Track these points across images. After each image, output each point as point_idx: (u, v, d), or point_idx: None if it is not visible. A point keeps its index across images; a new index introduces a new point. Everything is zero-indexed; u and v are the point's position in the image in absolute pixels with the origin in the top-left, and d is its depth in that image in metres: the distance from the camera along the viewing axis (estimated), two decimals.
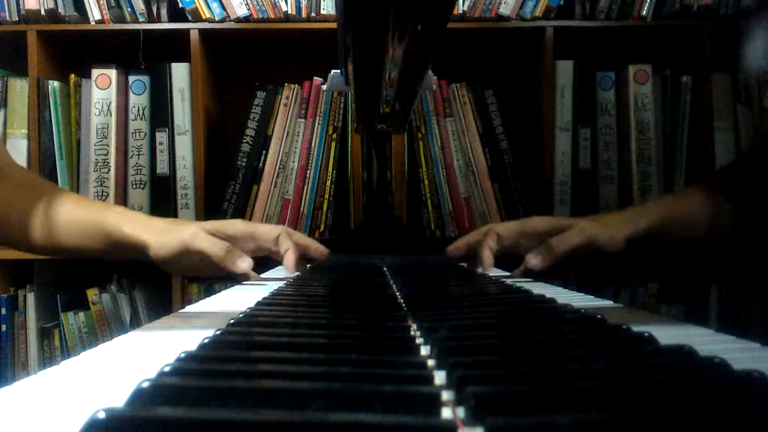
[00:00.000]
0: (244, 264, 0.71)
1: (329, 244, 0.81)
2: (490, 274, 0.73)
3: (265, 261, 0.80)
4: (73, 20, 1.26)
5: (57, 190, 0.78)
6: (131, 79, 1.29)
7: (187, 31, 1.26)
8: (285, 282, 0.69)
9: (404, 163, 1.29)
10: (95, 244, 0.75)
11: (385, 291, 0.55)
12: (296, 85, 1.29)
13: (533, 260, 0.71)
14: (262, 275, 0.80)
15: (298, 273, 0.75)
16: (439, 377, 0.25)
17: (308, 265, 0.83)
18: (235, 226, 0.75)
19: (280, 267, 0.81)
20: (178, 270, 0.77)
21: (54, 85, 1.26)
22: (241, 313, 0.40)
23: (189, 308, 0.52)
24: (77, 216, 0.75)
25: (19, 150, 1.26)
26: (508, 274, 0.79)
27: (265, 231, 0.76)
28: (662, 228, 0.77)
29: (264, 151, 1.28)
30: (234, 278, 0.74)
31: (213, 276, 0.76)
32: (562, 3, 1.27)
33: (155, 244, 0.71)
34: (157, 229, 0.72)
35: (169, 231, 0.72)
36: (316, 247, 0.79)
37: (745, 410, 0.19)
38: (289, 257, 0.73)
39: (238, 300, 0.57)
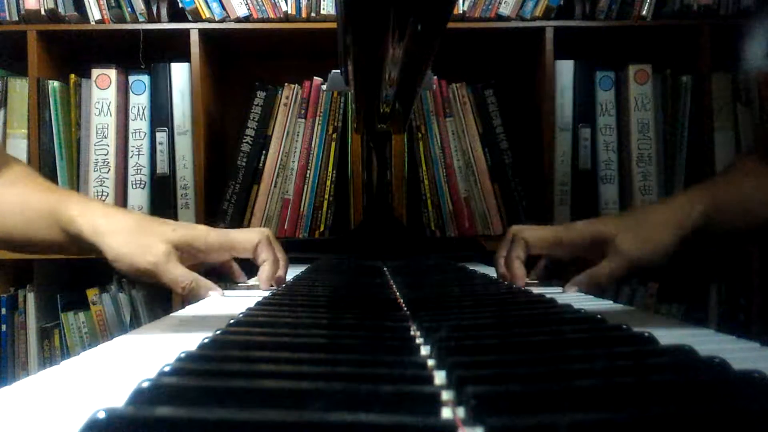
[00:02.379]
0: (212, 295, 0.63)
1: (329, 245, 0.80)
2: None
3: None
4: (73, 20, 1.26)
5: (9, 168, 0.69)
6: (131, 79, 1.29)
7: (187, 31, 1.26)
8: (275, 288, 0.65)
9: (404, 163, 1.29)
10: (49, 236, 0.66)
11: (385, 291, 0.55)
12: (296, 85, 1.29)
13: (573, 290, 0.62)
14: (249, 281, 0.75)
15: (273, 288, 0.66)
16: (439, 377, 0.25)
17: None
18: (207, 238, 0.66)
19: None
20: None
21: (54, 85, 1.26)
22: (240, 313, 0.40)
23: (182, 312, 0.51)
24: (29, 203, 0.66)
25: (19, 150, 1.26)
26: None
27: (242, 240, 0.67)
28: (713, 220, 0.65)
29: (264, 151, 1.28)
30: (229, 282, 0.70)
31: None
32: (562, 3, 1.27)
33: (111, 256, 0.63)
34: (120, 234, 0.63)
35: (130, 242, 0.62)
36: (282, 266, 0.68)
37: (745, 410, 0.19)
38: (265, 270, 0.65)
39: (235, 302, 0.57)
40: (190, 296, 0.62)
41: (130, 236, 0.63)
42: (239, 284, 0.71)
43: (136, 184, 1.28)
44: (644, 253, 0.63)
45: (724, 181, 0.71)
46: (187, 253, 0.65)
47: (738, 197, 0.66)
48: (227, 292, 0.65)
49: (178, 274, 0.62)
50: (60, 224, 0.65)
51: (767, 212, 0.66)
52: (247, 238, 0.67)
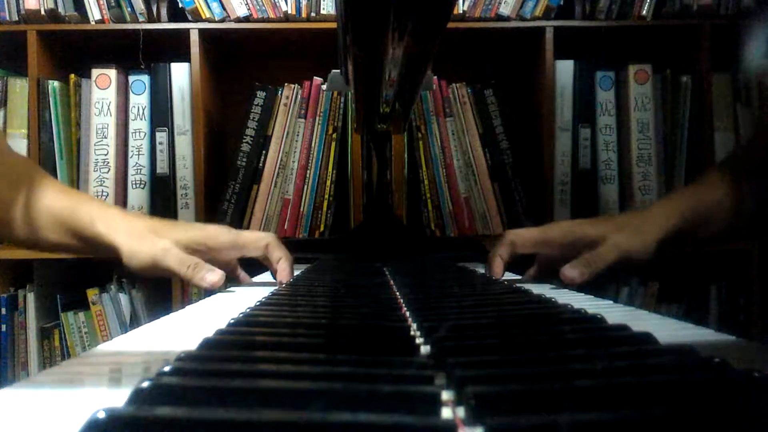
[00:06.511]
0: (213, 278, 0.67)
1: (329, 244, 0.81)
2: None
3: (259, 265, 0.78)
4: (73, 20, 1.26)
5: (41, 180, 0.73)
6: (131, 79, 1.29)
7: (187, 31, 1.26)
8: (276, 288, 0.65)
9: (404, 163, 1.29)
10: (70, 240, 0.71)
11: (385, 290, 0.55)
12: (296, 85, 1.29)
13: (571, 273, 0.65)
14: (254, 278, 0.79)
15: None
16: (439, 377, 0.25)
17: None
18: (218, 238, 0.72)
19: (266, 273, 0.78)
20: (151, 276, 0.74)
21: (54, 85, 1.26)
22: (241, 313, 0.40)
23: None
24: (54, 210, 0.70)
25: (19, 150, 1.26)
26: (519, 277, 0.76)
27: (252, 239, 0.73)
28: (691, 224, 0.70)
29: (264, 151, 1.28)
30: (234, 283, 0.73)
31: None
32: (562, 3, 1.27)
33: (126, 252, 0.68)
34: (132, 234, 0.69)
35: (143, 239, 0.69)
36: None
37: (745, 410, 0.19)
38: (284, 267, 0.71)
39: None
40: (193, 281, 0.67)
41: (142, 238, 0.69)
42: (252, 281, 0.77)
43: (136, 184, 1.28)
44: (635, 247, 0.68)
45: (692, 192, 0.75)
46: (199, 252, 0.70)
47: (702, 210, 0.71)
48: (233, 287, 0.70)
49: (180, 258, 0.68)
50: (78, 227, 0.70)
51: (720, 225, 0.71)
52: (258, 237, 0.73)
